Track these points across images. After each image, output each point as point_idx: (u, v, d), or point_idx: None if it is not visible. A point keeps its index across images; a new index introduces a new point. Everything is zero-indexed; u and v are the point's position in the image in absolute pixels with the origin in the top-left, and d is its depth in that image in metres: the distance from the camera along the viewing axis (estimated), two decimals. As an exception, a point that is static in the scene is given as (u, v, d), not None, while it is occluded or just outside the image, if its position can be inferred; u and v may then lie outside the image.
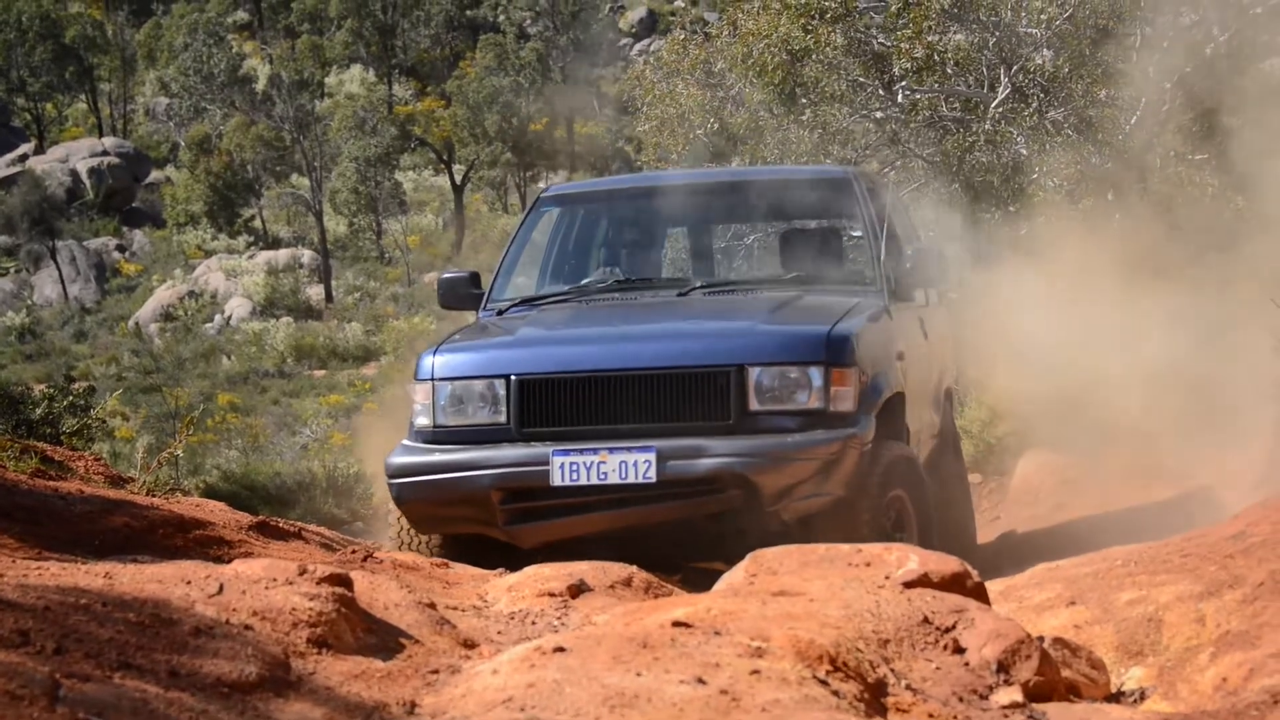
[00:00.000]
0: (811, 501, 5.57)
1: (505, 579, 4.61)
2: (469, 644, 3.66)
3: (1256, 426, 7.86)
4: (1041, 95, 12.90)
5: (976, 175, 12.78)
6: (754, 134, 14.09)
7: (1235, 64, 11.95)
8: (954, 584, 3.84)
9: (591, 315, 6.54)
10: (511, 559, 5.55)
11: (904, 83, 13.52)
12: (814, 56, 13.27)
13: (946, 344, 8.12)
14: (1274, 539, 4.53)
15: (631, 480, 5.50)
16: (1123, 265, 9.48)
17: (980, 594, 3.91)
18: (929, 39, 13.00)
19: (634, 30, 62.29)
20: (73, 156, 53.16)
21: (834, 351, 5.65)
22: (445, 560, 5.36)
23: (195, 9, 60.64)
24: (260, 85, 53.48)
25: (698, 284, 6.83)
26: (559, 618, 4.11)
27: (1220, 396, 8.36)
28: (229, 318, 43.20)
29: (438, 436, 5.82)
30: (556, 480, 5.55)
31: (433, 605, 3.86)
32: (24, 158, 53.88)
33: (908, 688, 3.27)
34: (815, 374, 5.61)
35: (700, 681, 2.90)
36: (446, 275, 7.05)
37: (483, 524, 5.75)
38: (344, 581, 3.57)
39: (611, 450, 5.52)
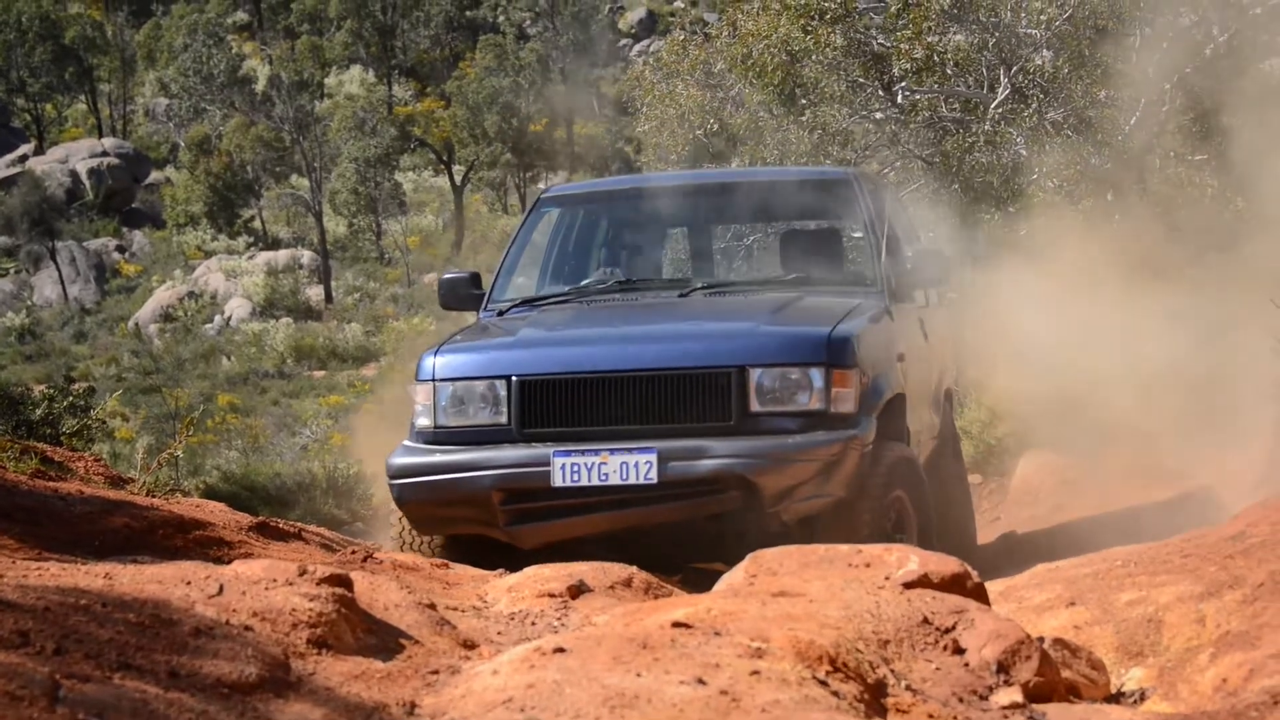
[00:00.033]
0: (812, 503, 5.57)
1: (505, 580, 4.61)
2: (469, 644, 3.66)
3: (1256, 427, 7.86)
4: (1041, 96, 12.90)
5: (976, 176, 12.78)
6: (754, 135, 14.10)
7: (1235, 64, 11.96)
8: (954, 585, 3.84)
9: (592, 316, 6.55)
10: (512, 560, 5.55)
11: (903, 83, 13.52)
12: (813, 57, 13.28)
13: (946, 345, 8.12)
14: (1274, 539, 4.53)
15: (632, 481, 5.50)
16: (1122, 266, 9.49)
17: (980, 595, 3.91)
18: (928, 40, 13.01)
19: (633, 31, 62.32)
20: (72, 157, 53.17)
21: (835, 353, 5.65)
22: (445, 561, 5.36)
23: (195, 10, 60.65)
24: (260, 86, 53.50)
25: (699, 285, 6.83)
26: (559, 618, 4.11)
27: (1220, 397, 8.36)
28: (229, 318, 43.21)
29: (439, 437, 5.82)
30: (558, 481, 5.55)
31: (433, 606, 3.86)
32: (24, 158, 53.89)
33: (908, 688, 3.27)
34: (816, 375, 5.61)
35: (700, 682, 2.90)
36: (447, 276, 7.05)
37: (484, 525, 5.75)
38: (344, 582, 3.58)
39: (613, 451, 5.52)
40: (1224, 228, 10.80)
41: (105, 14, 63.27)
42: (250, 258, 46.86)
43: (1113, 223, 11.61)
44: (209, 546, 4.97)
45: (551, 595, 4.28)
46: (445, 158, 50.35)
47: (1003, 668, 3.41)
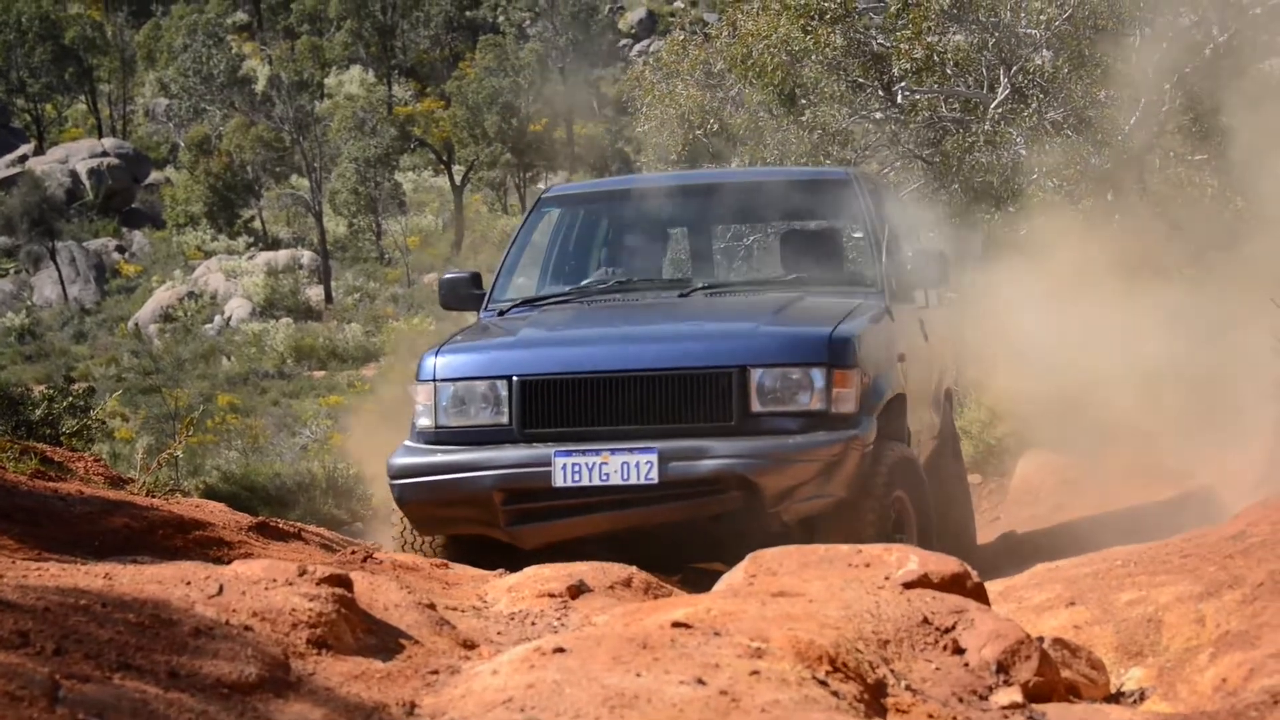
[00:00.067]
0: (813, 503, 5.57)
1: (505, 580, 4.61)
2: (469, 645, 3.66)
3: (1257, 426, 7.86)
4: (1041, 96, 12.90)
5: (976, 176, 12.78)
6: (753, 135, 14.10)
7: (1235, 64, 11.96)
8: (954, 584, 3.84)
9: (593, 316, 6.55)
10: (512, 560, 5.55)
11: (903, 83, 13.52)
12: (813, 57, 13.28)
13: (946, 345, 8.12)
14: (1274, 539, 4.53)
15: (633, 481, 5.50)
16: (1122, 265, 9.48)
17: (980, 594, 3.91)
18: (928, 40, 13.01)
19: (633, 31, 62.32)
20: (72, 157, 53.17)
21: (836, 353, 5.65)
22: (445, 561, 5.36)
23: (195, 10, 60.65)
24: (260, 86, 53.50)
25: (699, 285, 6.83)
26: (559, 618, 4.11)
27: (1220, 396, 8.36)
28: (229, 318, 43.21)
29: (440, 437, 5.82)
30: (559, 481, 5.55)
31: (432, 606, 3.86)
32: (24, 158, 53.89)
33: (907, 688, 3.27)
34: (817, 375, 5.61)
35: (700, 682, 2.90)
36: (448, 276, 7.05)
37: (485, 525, 5.75)
38: (344, 582, 3.57)
39: (614, 451, 5.52)
40: (1224, 227, 10.80)
41: (105, 14, 63.27)
42: (250, 258, 46.86)
43: (1113, 222, 11.61)
44: (209, 547, 4.97)
45: (551, 595, 4.28)
46: (445, 158, 50.35)
47: (1002, 668, 3.41)
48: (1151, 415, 8.56)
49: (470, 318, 7.19)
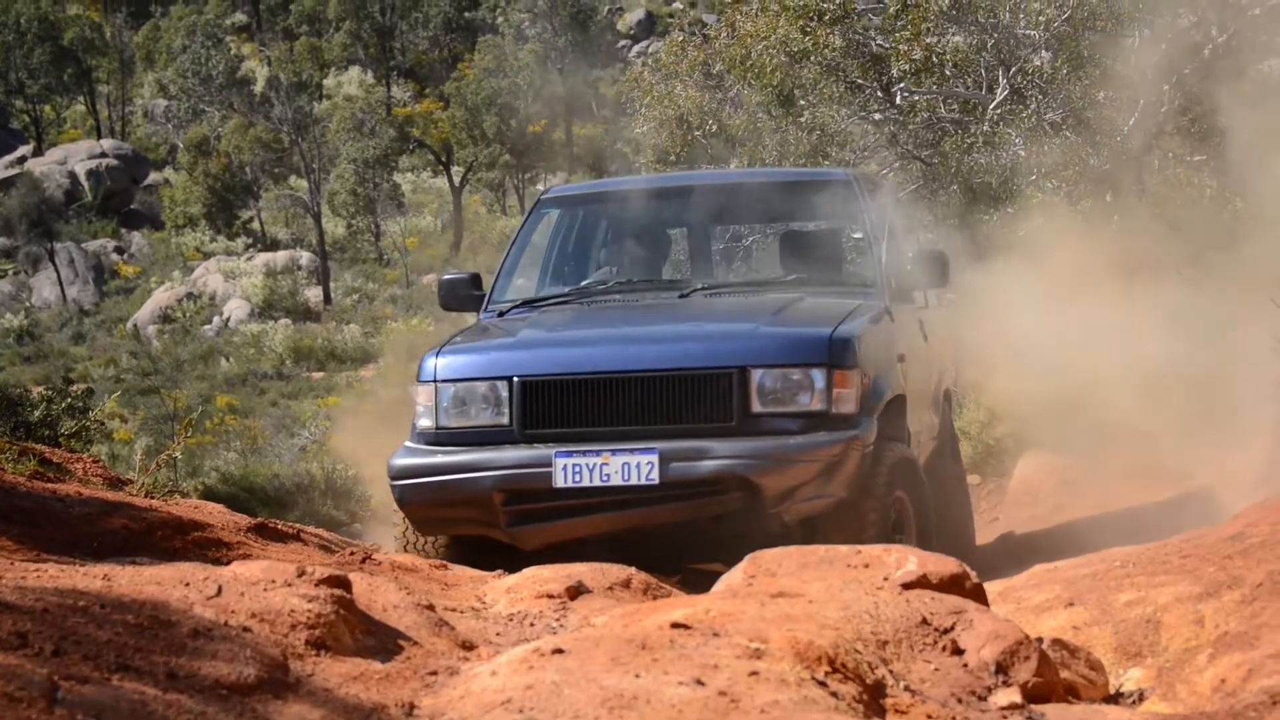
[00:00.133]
0: (814, 503, 5.58)
1: (504, 581, 4.61)
2: (467, 645, 3.66)
3: (1256, 427, 7.86)
4: (1040, 96, 12.91)
5: (975, 177, 12.79)
6: (752, 136, 14.10)
7: (1234, 65, 11.96)
8: (953, 585, 3.84)
9: (593, 317, 6.55)
10: (512, 560, 5.55)
11: (902, 84, 13.53)
12: (812, 58, 13.28)
13: (946, 345, 8.13)
14: (1273, 540, 4.53)
15: (634, 482, 5.50)
16: (1121, 266, 9.48)
17: (979, 595, 3.91)
18: (927, 40, 13.01)
19: (632, 32, 62.31)
20: (71, 158, 53.15)
21: (836, 353, 5.65)
22: (444, 562, 5.36)
23: (193, 11, 60.63)
24: (258, 87, 53.47)
25: (699, 285, 6.83)
26: (557, 619, 4.11)
27: (1220, 397, 8.36)
28: (227, 319, 43.19)
29: (440, 438, 5.82)
30: (559, 482, 5.55)
31: (431, 607, 3.86)
32: (22, 160, 53.88)
33: (906, 689, 3.26)
34: (818, 376, 5.61)
35: (699, 683, 2.90)
36: (447, 277, 7.06)
37: (485, 525, 5.75)
38: (342, 583, 3.57)
39: (614, 452, 5.52)
40: (1223, 228, 10.80)
41: (104, 15, 63.25)
42: (249, 259, 46.85)
43: (1111, 223, 11.61)
44: (207, 548, 4.97)
45: (550, 596, 4.28)
46: (444, 159, 50.34)
47: (1001, 668, 3.41)
48: (1151, 416, 8.56)
49: (470, 319, 7.19)
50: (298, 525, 6.48)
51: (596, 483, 5.53)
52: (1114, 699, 3.84)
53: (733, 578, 4.13)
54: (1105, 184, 12.31)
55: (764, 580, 3.95)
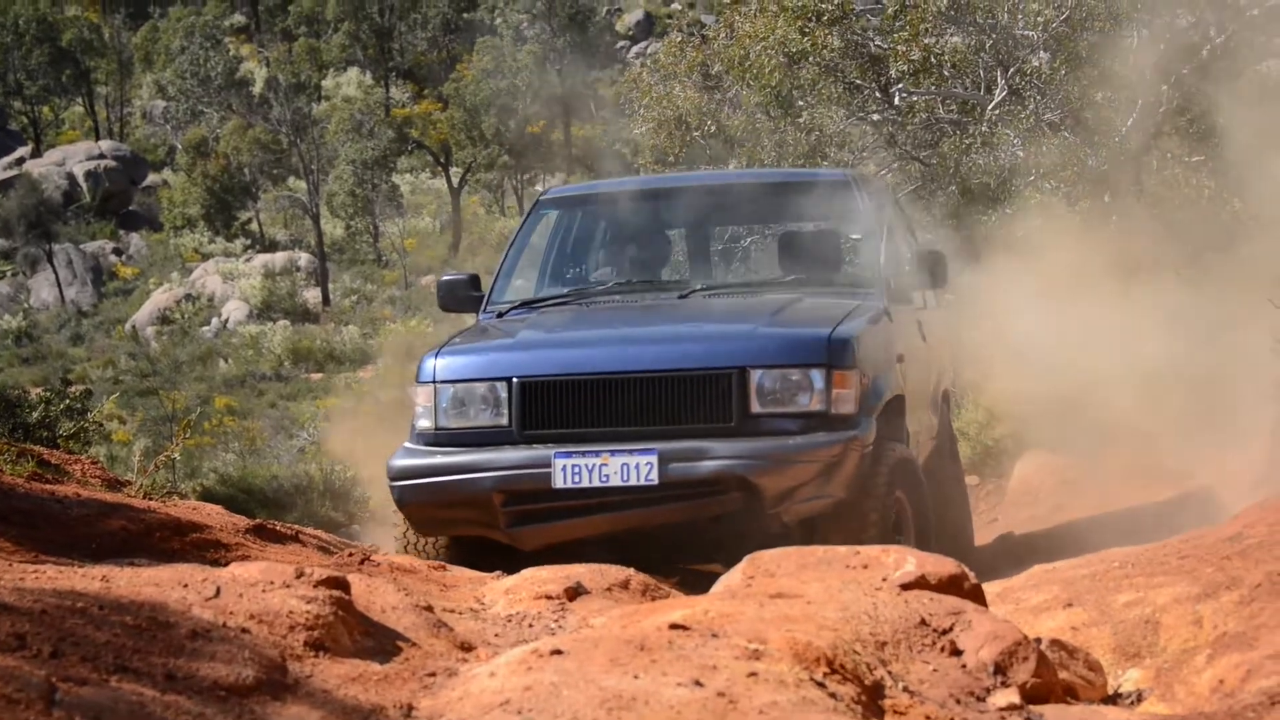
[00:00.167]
0: (813, 504, 5.58)
1: (502, 582, 4.61)
2: (466, 647, 3.65)
3: (1255, 427, 7.86)
4: (1038, 97, 12.91)
5: (973, 177, 12.79)
6: (751, 136, 14.10)
7: (1232, 65, 11.97)
8: (951, 586, 3.84)
9: (592, 317, 6.55)
10: (513, 561, 5.55)
11: (900, 85, 13.53)
12: (811, 59, 13.29)
13: (945, 346, 8.13)
14: (1271, 540, 4.53)
15: (633, 482, 5.50)
16: (1120, 266, 9.49)
17: (977, 596, 3.91)
18: (925, 41, 13.02)
19: (631, 33, 62.33)
20: (69, 160, 53.14)
21: (835, 354, 5.65)
22: (443, 563, 5.36)
23: (192, 12, 60.63)
24: (257, 88, 53.47)
25: (698, 286, 6.83)
26: (556, 620, 4.11)
27: (1219, 397, 8.37)
28: (226, 321, 43.18)
29: (439, 439, 5.82)
30: (558, 483, 5.55)
31: (430, 608, 3.86)
32: (21, 161, 53.87)
33: (905, 690, 3.26)
34: (817, 376, 5.61)
35: (697, 684, 2.90)
36: (446, 278, 7.05)
37: (484, 526, 5.75)
38: (341, 584, 3.57)
39: (613, 453, 5.52)
40: (1221, 228, 10.81)
41: (102, 16, 63.24)
42: (247, 260, 46.84)
43: (1110, 223, 11.62)
44: (206, 549, 4.97)
45: (549, 597, 4.28)
46: (442, 160, 50.34)
47: (1000, 669, 3.41)
48: (1150, 416, 8.57)
49: (469, 320, 7.19)
50: (296, 526, 6.48)
51: (596, 483, 5.53)
52: (1112, 700, 3.84)
53: (731, 578, 4.13)
54: (1103, 184, 12.32)
55: (763, 581, 3.95)
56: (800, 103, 13.48)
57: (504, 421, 5.74)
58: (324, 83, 58.93)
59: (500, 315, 6.73)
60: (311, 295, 44.95)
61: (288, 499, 15.65)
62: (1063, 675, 3.63)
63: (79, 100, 59.96)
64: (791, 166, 12.88)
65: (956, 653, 3.45)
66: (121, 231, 51.26)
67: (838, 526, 5.56)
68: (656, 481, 5.48)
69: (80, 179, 51.84)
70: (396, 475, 5.80)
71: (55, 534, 4.75)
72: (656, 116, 14.77)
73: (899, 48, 13.04)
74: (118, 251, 49.91)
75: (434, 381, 5.86)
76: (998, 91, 13.10)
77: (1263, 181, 9.51)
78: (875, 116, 13.79)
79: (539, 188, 43.62)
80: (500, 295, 6.93)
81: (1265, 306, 7.51)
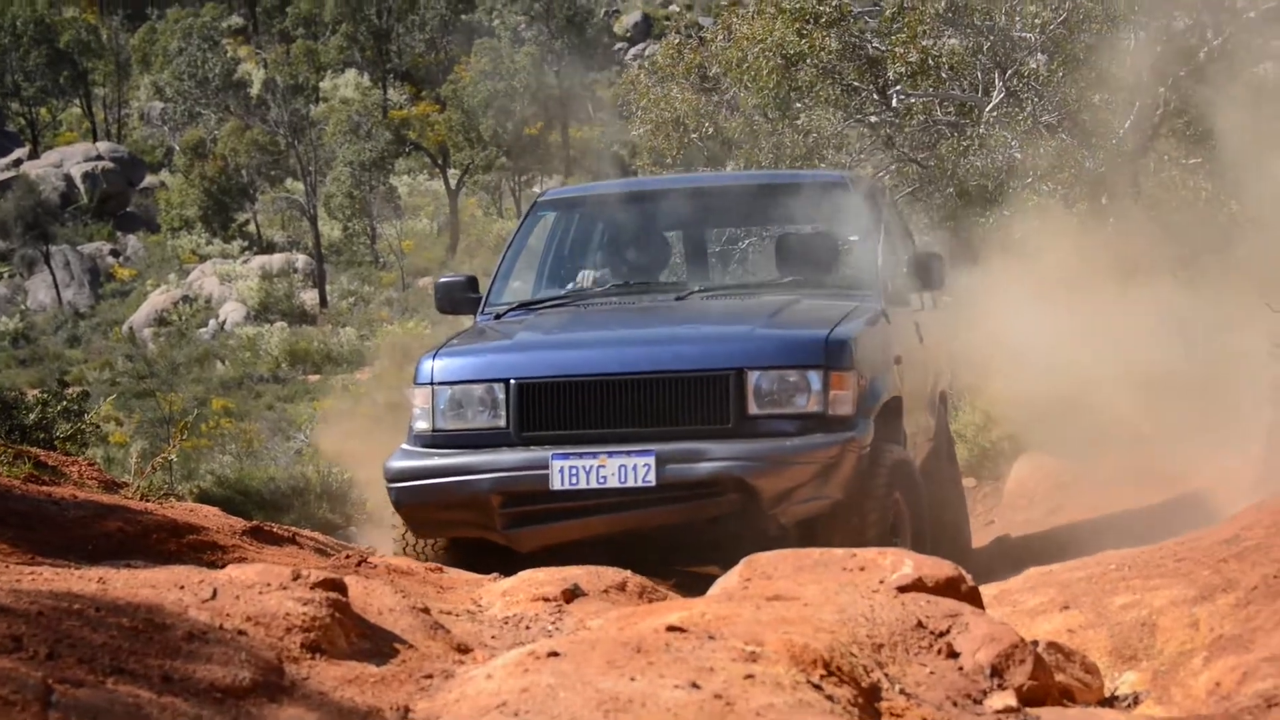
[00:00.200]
0: (810, 505, 5.58)
1: (499, 584, 4.60)
2: (463, 649, 3.65)
3: (1252, 429, 7.87)
4: (1035, 99, 12.92)
5: (970, 179, 12.80)
6: (748, 138, 14.11)
7: (1228, 67, 11.98)
8: (948, 588, 3.84)
9: (590, 319, 6.55)
10: (509, 563, 5.55)
11: (898, 87, 13.54)
12: (808, 61, 13.30)
13: (942, 348, 8.14)
14: (1268, 543, 4.54)
15: (631, 484, 5.50)
16: (1117, 268, 9.50)
17: (974, 598, 3.91)
18: (923, 43, 13.03)
19: (629, 35, 62.34)
20: (67, 161, 53.10)
21: (833, 355, 5.65)
22: (439, 565, 5.36)
23: (190, 14, 60.58)
24: (255, 90, 53.42)
25: (695, 288, 6.83)
26: (553, 622, 4.10)
27: (1216, 399, 8.37)
28: (223, 322, 43.15)
29: (437, 440, 5.82)
30: (556, 484, 5.55)
31: (427, 610, 3.85)
32: (18, 162, 53.82)
33: (902, 692, 3.26)
34: (814, 377, 5.62)
35: (694, 686, 2.90)
36: (444, 280, 7.06)
37: (482, 528, 5.75)
38: (338, 586, 3.57)
39: (611, 454, 5.52)
40: (1218, 231, 10.82)
41: (100, 18, 63.21)
42: (245, 262, 46.81)
43: (1107, 226, 11.63)
44: (203, 551, 4.96)
45: (545, 599, 4.27)
46: (440, 161, 50.33)
47: (996, 671, 3.41)
48: (1147, 418, 8.57)
49: (466, 321, 7.19)
50: (293, 528, 6.47)
51: (593, 485, 5.53)
52: (1109, 702, 3.84)
53: (728, 581, 4.13)
54: (1100, 186, 12.33)
55: (760, 583, 3.95)
56: (798, 105, 13.49)
57: (501, 423, 5.74)
58: (321, 84, 58.92)
59: (498, 317, 6.73)
60: (309, 297, 44.92)
61: (285, 501, 15.64)
62: (1059, 678, 3.63)
63: (76, 102, 59.92)
64: (789, 168, 12.88)
65: (953, 655, 3.45)
66: (119, 233, 51.22)
67: (836, 528, 5.56)
68: (654, 483, 5.48)
69: (77, 180, 51.80)
70: (394, 477, 5.80)
71: (52, 535, 4.75)
72: (654, 118, 14.77)
73: (896, 50, 13.05)
74: (115, 253, 49.87)
75: (431, 383, 5.86)
76: (995, 93, 13.11)
77: (1260, 184, 9.51)
78: (873, 118, 13.80)
79: (536, 189, 43.60)
80: (498, 297, 6.93)
81: (1262, 309, 7.52)
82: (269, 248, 49.16)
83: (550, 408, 5.70)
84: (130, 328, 43.46)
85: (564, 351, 5.97)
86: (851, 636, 3.39)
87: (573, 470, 5.54)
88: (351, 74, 60.06)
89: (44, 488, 5.56)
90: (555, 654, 3.07)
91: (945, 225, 12.73)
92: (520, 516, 5.68)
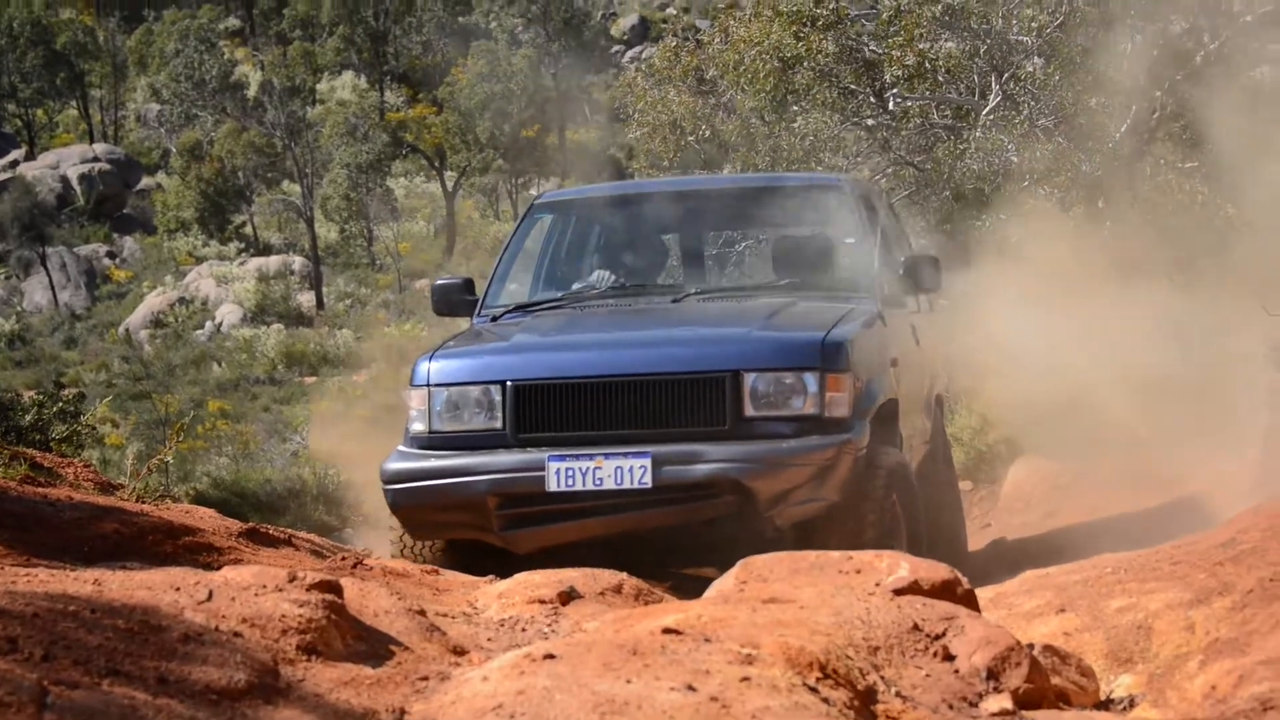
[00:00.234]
0: (807, 507, 5.58)
1: (495, 586, 4.60)
2: (459, 651, 3.65)
3: (1248, 433, 7.87)
4: (1032, 102, 12.93)
5: (967, 182, 12.81)
6: (745, 141, 14.12)
7: (1225, 71, 11.99)
8: (944, 591, 3.84)
9: (586, 321, 6.55)
10: (505, 565, 5.55)
11: (895, 90, 13.55)
12: (805, 64, 13.31)
13: (938, 350, 8.14)
14: (1263, 546, 4.54)
15: (627, 486, 5.50)
16: (1113, 272, 9.50)
17: (970, 601, 3.91)
18: (920, 46, 13.05)
19: (626, 37, 62.35)
20: (63, 163, 53.06)
21: (829, 357, 5.66)
22: (435, 567, 5.36)
23: (187, 15, 60.55)
24: (252, 92, 53.41)
25: (692, 290, 6.83)
26: (549, 625, 4.10)
27: (1212, 403, 8.38)
28: (220, 324, 43.13)
29: (433, 442, 5.82)
30: (552, 486, 5.56)
31: (422, 612, 3.85)
32: (15, 164, 53.78)
33: (897, 695, 3.26)
34: (810, 379, 5.62)
35: (690, 689, 2.90)
36: (440, 282, 7.06)
37: (478, 529, 5.75)
38: (334, 588, 3.57)
39: (607, 456, 5.52)
40: (1214, 234, 10.83)
41: (97, 19, 63.17)
42: (241, 264, 46.78)
43: (1104, 229, 11.63)
44: (198, 553, 4.96)
45: (542, 601, 4.27)
46: (437, 164, 50.31)
47: (992, 674, 3.41)
48: (1143, 422, 8.58)
49: (463, 324, 7.20)
50: (289, 530, 6.47)
51: (589, 487, 5.53)
52: (1105, 705, 3.84)
53: (724, 583, 4.13)
54: (1096, 189, 12.34)
55: (756, 586, 3.95)
56: (794, 107, 13.50)
57: (498, 425, 5.74)
58: (318, 86, 58.88)
59: (494, 319, 6.73)
60: (305, 299, 44.89)
61: (281, 503, 15.64)
62: (1055, 681, 3.63)
63: (73, 103, 59.88)
64: (786, 171, 12.89)
65: (949, 658, 3.45)
66: (115, 235, 51.19)
67: (832, 530, 5.56)
68: (650, 485, 5.49)
69: (74, 182, 51.76)
70: (390, 479, 5.80)
71: (47, 537, 4.74)
72: (651, 121, 14.78)
73: (893, 53, 13.06)
74: (111, 255, 49.83)
75: (428, 385, 5.86)
76: (992, 97, 13.11)
77: (1255, 187, 9.53)
78: (869, 121, 13.80)
79: (533, 192, 43.60)
80: (494, 299, 6.93)
81: (1258, 312, 7.53)
82: (265, 250, 49.13)
83: (547, 409, 5.70)
84: (126, 329, 43.43)
85: (560, 353, 5.97)
86: (847, 639, 3.39)
87: (569, 472, 5.54)
88: (348, 76, 60.04)
89: (40, 489, 5.56)
90: (551, 656, 3.07)
91: (942, 228, 12.74)
92: (517, 518, 5.68)
